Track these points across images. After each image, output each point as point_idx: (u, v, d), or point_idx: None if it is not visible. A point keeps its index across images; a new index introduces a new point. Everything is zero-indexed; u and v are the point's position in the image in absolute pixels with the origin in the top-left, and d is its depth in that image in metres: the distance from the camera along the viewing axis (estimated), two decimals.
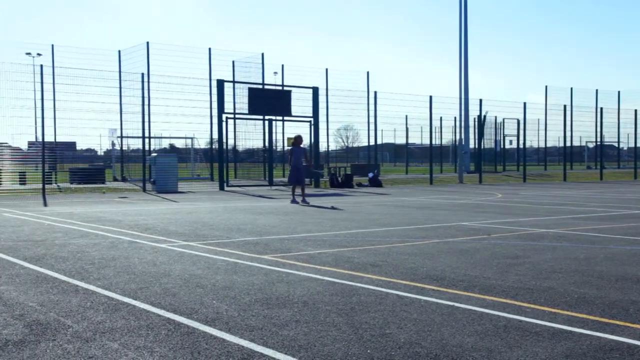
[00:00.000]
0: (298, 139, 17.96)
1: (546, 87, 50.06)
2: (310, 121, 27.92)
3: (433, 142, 33.28)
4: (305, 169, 17.92)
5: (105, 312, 5.17)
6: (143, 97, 26.04)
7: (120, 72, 35.28)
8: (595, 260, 7.61)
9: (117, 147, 36.03)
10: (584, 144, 59.03)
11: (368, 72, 40.61)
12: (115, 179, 32.79)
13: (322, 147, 37.23)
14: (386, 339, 4.40)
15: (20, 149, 30.34)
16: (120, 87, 34.81)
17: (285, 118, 29.11)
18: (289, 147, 18.09)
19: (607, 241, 9.39)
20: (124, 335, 4.50)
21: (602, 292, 5.87)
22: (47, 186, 23.92)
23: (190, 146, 40.23)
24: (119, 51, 36.04)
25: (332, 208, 15.57)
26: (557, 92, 50.35)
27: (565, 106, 37.08)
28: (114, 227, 11.40)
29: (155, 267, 7.22)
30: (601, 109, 40.40)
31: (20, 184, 27.03)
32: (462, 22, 41.24)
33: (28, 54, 37.64)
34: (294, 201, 17.36)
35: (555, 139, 52.75)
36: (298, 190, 17.75)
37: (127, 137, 35.05)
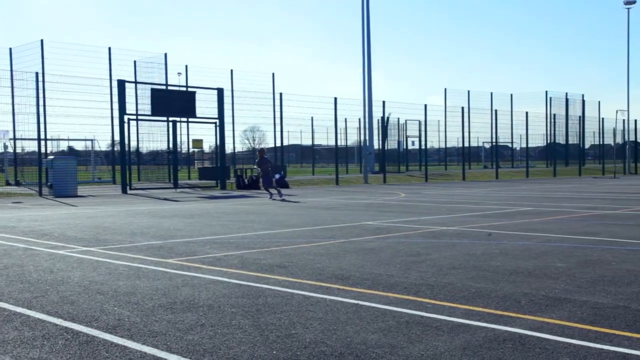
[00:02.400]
0: (262, 151, 21.79)
1: (445, 89, 51.98)
2: (215, 122, 27.61)
3: (338, 143, 33.75)
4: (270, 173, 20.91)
5: None
6: (38, 97, 24.85)
7: (11, 70, 33.45)
8: (490, 256, 7.98)
9: (10, 150, 34.14)
10: (480, 144, 61.75)
11: (273, 74, 40.69)
12: (8, 183, 31.06)
13: (229, 148, 36.89)
14: (292, 339, 4.42)
15: None
16: (12, 87, 33.02)
17: (190, 119, 28.61)
18: (258, 159, 21.44)
19: (502, 237, 9.87)
20: (16, 347, 4.28)
21: (497, 285, 6.17)
22: None
23: (90, 148, 38.75)
24: (10, 49, 34.19)
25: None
26: (456, 94, 52.40)
27: (463, 108, 38.67)
28: (6, 234, 10.81)
29: (52, 275, 6.91)
30: (496, 111, 42.44)
31: None
32: (364, 25, 42.07)
33: None
34: (273, 197, 20.12)
35: (454, 140, 54.76)
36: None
37: (21, 139, 33.29)
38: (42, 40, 32.72)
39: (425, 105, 36.78)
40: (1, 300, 5.71)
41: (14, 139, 33.13)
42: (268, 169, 20.80)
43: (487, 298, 5.63)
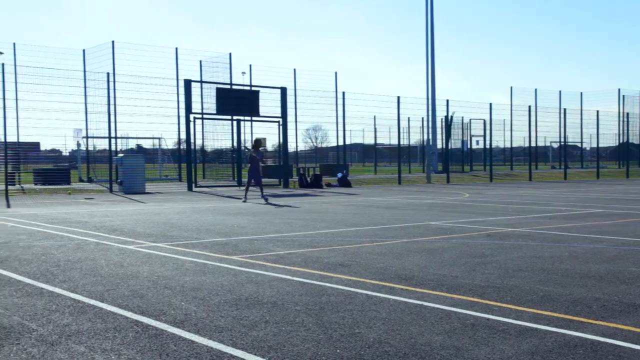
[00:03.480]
0: (259, 142, 19.77)
1: (511, 88, 50.89)
2: (278, 121, 27.87)
3: (401, 143, 33.51)
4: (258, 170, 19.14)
5: (71, 314, 5.09)
6: (109, 96, 25.69)
7: (85, 71, 34.73)
8: (560, 259, 7.75)
9: (83, 148, 35.47)
10: (548, 144, 60.05)
11: (336, 73, 40.75)
12: (81, 180, 32.27)
13: (291, 147, 37.21)
14: (355, 339, 4.41)
15: None
16: (85, 87, 34.27)
17: (254, 118, 29.01)
18: (251, 150, 19.50)
19: (571, 240, 9.57)
20: (90, 338, 4.43)
21: (567, 289, 5.98)
22: (10, 187, 23.45)
23: (157, 146, 39.82)
24: (84, 50, 35.49)
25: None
26: (522, 93, 51.20)
27: (530, 107, 37.73)
28: (80, 229, 11.23)
29: (123, 269, 7.13)
30: (564, 109, 41.19)
31: None
32: (428, 24, 41.61)
33: None
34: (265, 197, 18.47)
35: (520, 139, 53.54)
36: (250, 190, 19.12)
37: (93, 137, 34.55)
38: (113, 42, 33.82)
39: (490, 104, 36.09)
40: (76, 292, 5.93)
41: (87, 137, 34.42)
42: (258, 164, 18.87)
43: (556, 302, 5.47)
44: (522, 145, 53.77)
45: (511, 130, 49.10)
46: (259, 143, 19.61)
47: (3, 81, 23.31)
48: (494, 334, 4.51)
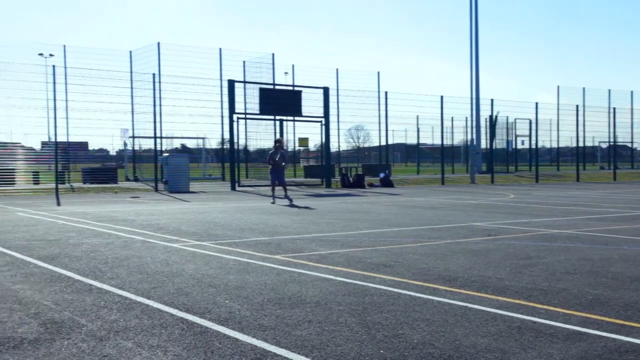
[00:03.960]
0: (280, 142, 19.10)
1: (558, 87, 49.85)
2: (321, 121, 27.92)
3: (444, 142, 33.20)
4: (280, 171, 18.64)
5: (118, 311, 5.20)
6: (154, 97, 26.17)
7: (131, 72, 35.45)
8: (609, 261, 7.56)
9: (129, 147, 36.20)
10: (596, 144, 58.65)
11: (379, 72, 40.66)
12: (127, 179, 32.96)
13: (333, 147, 37.23)
14: (399, 339, 4.39)
15: (34, 149, 30.59)
16: (132, 88, 34.98)
17: (296, 118, 29.13)
18: (272, 150, 18.87)
19: (621, 242, 9.32)
20: (137, 334, 4.52)
21: (617, 293, 5.83)
22: (60, 186, 24.08)
23: (201, 146, 40.36)
24: (130, 52, 36.22)
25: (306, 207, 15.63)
26: (570, 92, 50.11)
27: (577, 106, 36.93)
28: (126, 227, 11.46)
29: (168, 267, 7.25)
30: (614, 108, 40.16)
31: (34, 183, 27.22)
32: (472, 22, 41.10)
33: (40, 54, 37.86)
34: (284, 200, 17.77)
35: (567, 139, 52.45)
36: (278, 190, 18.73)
37: (139, 137, 35.23)
38: (158, 43, 34.45)
39: (537, 104, 35.46)
40: (123, 289, 6.05)
41: (133, 137, 35.11)
42: (282, 164, 18.41)
43: (606, 306, 5.33)
44: (569, 146, 52.64)
45: (558, 130, 48.14)
46: (279, 143, 18.98)
47: (54, 82, 23.95)
48: (541, 338, 4.42)
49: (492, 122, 39.02)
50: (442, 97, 30.74)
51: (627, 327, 4.70)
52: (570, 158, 57.31)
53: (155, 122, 26.12)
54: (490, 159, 38.32)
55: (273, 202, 17.56)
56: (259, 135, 31.57)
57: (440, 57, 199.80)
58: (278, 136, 25.45)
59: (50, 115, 27.62)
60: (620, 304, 5.39)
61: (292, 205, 16.60)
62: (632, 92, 53.14)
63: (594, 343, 4.30)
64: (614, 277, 6.57)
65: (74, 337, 4.45)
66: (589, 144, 51.51)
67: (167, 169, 24.40)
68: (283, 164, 18.49)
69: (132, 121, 35.00)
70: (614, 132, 40.21)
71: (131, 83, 35.04)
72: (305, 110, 27.36)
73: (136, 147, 36.39)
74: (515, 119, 45.34)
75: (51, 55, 37.31)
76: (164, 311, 5.18)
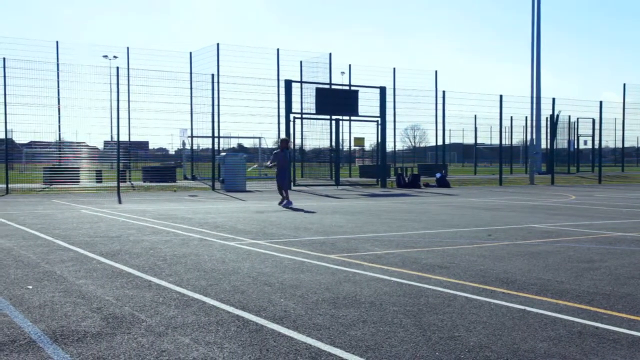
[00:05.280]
0: (286, 142, 17.57)
1: (624, 84, 48.11)
2: (377, 121, 27.82)
3: (503, 142, 32.55)
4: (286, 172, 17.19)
5: (176, 307, 5.30)
6: (213, 97, 26.60)
7: (191, 73, 36.16)
8: None
9: (188, 147, 36.92)
10: None
11: (436, 72, 40.18)
12: (185, 178, 33.63)
13: (389, 146, 37.02)
14: (455, 342, 4.33)
15: (97, 148, 31.59)
16: (191, 88, 35.67)
17: (352, 118, 29.12)
18: (277, 150, 17.39)
19: None
20: (194, 331, 4.60)
21: None
22: (121, 184, 24.79)
23: (258, 145, 40.81)
24: (190, 53, 36.94)
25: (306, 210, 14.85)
26: (636, 89, 48.30)
27: None
28: (184, 225, 11.69)
29: (224, 265, 7.36)
30: None
31: (97, 181, 28.11)
32: (534, 21, 40.15)
33: (105, 56, 39.08)
34: (287, 204, 16.40)
35: (633, 139, 50.58)
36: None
37: (197, 136, 35.91)
38: (217, 44, 35.00)
39: (601, 102, 34.34)
40: (181, 285, 6.18)
41: (192, 136, 35.81)
42: (287, 165, 17.07)
43: None
44: (635, 146, 50.82)
45: (623, 129, 46.50)
46: (285, 142, 17.51)
47: (117, 84, 24.66)
48: (604, 344, 4.28)
49: (553, 121, 38.03)
50: (501, 96, 30.17)
51: None
52: (635, 158, 55.31)
53: (213, 121, 26.56)
54: (550, 159, 37.35)
55: (281, 204, 16.48)
56: (315, 135, 31.68)
57: (499, 56, 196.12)
58: (283, 136, 23.00)
59: (113, 115, 28.48)
60: None
61: (295, 209, 15.40)
62: None
63: None
64: None
65: (134, 332, 4.56)
66: None
67: (224, 168, 24.77)
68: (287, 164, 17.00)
69: (191, 121, 35.70)
70: None
71: (190, 83, 35.75)
72: (361, 109, 27.31)
73: (194, 147, 37.09)
74: (578, 119, 44.08)
75: (115, 57, 38.48)
76: (220, 308, 5.26)
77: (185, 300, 5.55)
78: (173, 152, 48.98)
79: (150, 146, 42.77)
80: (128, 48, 35.90)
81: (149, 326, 4.71)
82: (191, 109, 35.66)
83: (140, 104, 30.65)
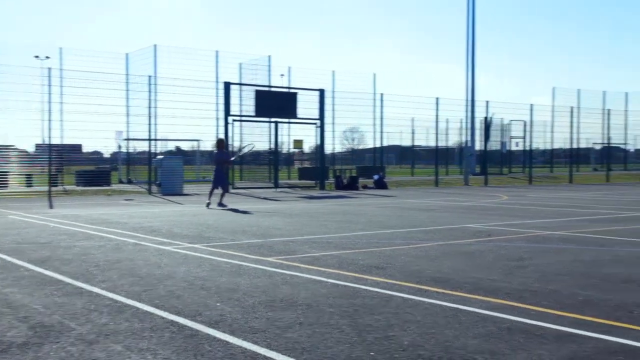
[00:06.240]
0: (221, 143, 17.92)
1: (553, 88, 49.96)
2: (316, 123, 27.92)
3: (439, 144, 33.23)
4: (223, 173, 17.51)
5: (109, 314, 5.18)
6: (150, 99, 26.13)
7: (127, 74, 35.38)
8: (601, 263, 7.58)
9: (123, 150, 36.13)
10: (590, 145, 58.77)
11: (374, 74, 40.71)
12: (121, 182, 32.86)
13: (328, 149, 37.20)
14: (390, 341, 4.39)
15: (27, 152, 30.49)
16: (127, 90, 34.91)
17: (292, 120, 29.10)
18: (216, 151, 17.69)
19: (614, 243, 9.35)
20: (127, 338, 4.50)
21: (608, 294, 5.84)
22: (53, 188, 24.00)
23: (196, 148, 40.30)
24: (127, 54, 36.15)
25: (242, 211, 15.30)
26: (565, 94, 50.17)
27: (572, 108, 37.01)
28: (119, 230, 11.43)
29: (160, 270, 7.23)
30: (608, 110, 40.31)
31: (27, 186, 27.13)
32: (469, 24, 41.18)
33: (36, 57, 37.76)
34: (220, 204, 16.63)
35: (562, 141, 52.46)
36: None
37: (133, 139, 35.15)
38: (155, 46, 34.37)
39: (532, 105, 35.55)
40: (114, 292, 6.03)
41: (127, 139, 35.04)
42: (224, 166, 17.33)
43: (596, 307, 5.34)
44: (563, 147, 52.74)
45: (552, 131, 48.21)
46: (222, 143, 17.91)
47: (49, 85, 23.91)
48: (531, 339, 4.43)
49: (487, 123, 39.09)
50: (437, 98, 30.80)
51: (617, 328, 4.71)
52: (564, 160, 57.41)
53: (150, 124, 26.08)
54: (484, 160, 38.37)
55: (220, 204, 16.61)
56: (254, 137, 31.53)
57: (436, 59, 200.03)
58: (221, 136, 22.98)
59: (45, 117, 27.55)
60: (611, 305, 5.41)
61: (233, 210, 15.73)
62: (626, 93, 53.32)
63: (583, 344, 4.30)
64: (605, 279, 6.59)
65: (63, 341, 4.43)
66: (583, 145, 51.60)
67: (161, 172, 24.33)
68: (229, 165, 17.40)
69: (127, 123, 34.91)
70: (608, 134, 40.34)
71: (127, 85, 34.97)
72: (300, 112, 27.34)
73: (130, 150, 36.33)
74: (510, 121, 45.41)
75: (47, 57, 37.21)
76: (155, 314, 5.17)
77: (119, 307, 5.43)
78: (108, 156, 47.79)
79: (84, 149, 41.62)
80: (61, 48, 34.79)
81: (79, 334, 4.59)
82: (127, 111, 34.88)
83: (74, 106, 29.77)
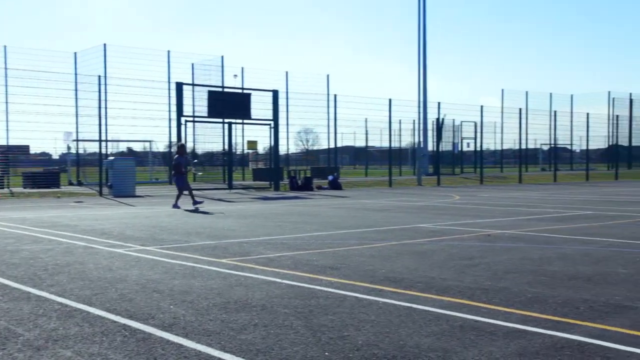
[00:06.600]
0: (182, 148, 18.36)
1: (502, 90, 51.09)
2: (270, 124, 27.86)
3: (392, 145, 33.56)
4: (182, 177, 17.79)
5: (58, 319, 5.06)
6: (100, 100, 25.60)
7: (76, 74, 34.61)
8: (548, 260, 7.79)
9: (73, 151, 35.32)
10: (538, 146, 60.33)
11: (328, 75, 40.82)
12: (70, 183, 32.12)
13: (282, 149, 37.18)
14: (344, 341, 4.41)
15: None
16: (77, 90, 34.15)
17: (245, 121, 28.96)
18: (177, 156, 18.10)
19: (560, 241, 9.62)
20: (77, 343, 4.41)
21: (555, 291, 6.01)
22: None
23: (148, 149, 39.71)
24: (75, 53, 35.36)
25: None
26: (513, 95, 51.42)
27: (520, 109, 37.87)
28: (68, 232, 11.17)
29: (112, 273, 7.10)
30: (555, 112, 41.39)
31: None
32: (420, 26, 41.74)
33: None
34: (176, 206, 16.95)
35: (511, 142, 53.72)
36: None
37: (84, 140, 34.41)
38: (104, 45, 33.73)
39: (482, 107, 36.24)
40: (63, 296, 5.90)
41: (77, 140, 34.27)
42: (182, 170, 17.69)
43: (544, 303, 5.49)
44: (512, 148, 53.98)
45: (502, 132, 49.35)
46: (182, 148, 18.37)
47: None
48: (482, 336, 4.52)
49: (439, 124, 39.69)
50: (390, 100, 31.09)
51: (563, 323, 4.85)
52: (513, 160, 58.73)
53: (100, 125, 25.54)
54: (436, 161, 38.96)
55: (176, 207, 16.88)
56: (208, 138, 31.26)
57: (389, 60, 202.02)
58: (181, 142, 22.84)
59: None
60: (558, 302, 5.56)
61: (198, 211, 15.89)
62: (572, 95, 55.01)
63: (532, 340, 4.42)
64: (553, 276, 6.77)
65: (10, 347, 4.31)
66: (531, 146, 52.89)
67: (113, 173, 23.89)
68: (183, 170, 17.67)
69: (77, 124, 34.16)
70: (555, 135, 41.43)
71: (76, 85, 34.21)
72: (254, 113, 27.21)
73: (80, 151, 35.53)
74: (462, 122, 46.22)
75: None
76: (106, 318, 5.08)
77: (68, 311, 5.31)
78: (57, 157, 46.66)
79: (32, 150, 40.47)
80: (5, 46, 33.81)
81: (26, 340, 4.47)
82: (77, 112, 34.13)
83: (20, 106, 29.00)
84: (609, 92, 54.92)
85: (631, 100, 53.45)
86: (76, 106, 34.11)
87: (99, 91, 25.54)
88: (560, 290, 6.02)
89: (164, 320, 5.00)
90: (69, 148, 35.38)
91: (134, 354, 4.15)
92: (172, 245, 9.37)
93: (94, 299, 5.75)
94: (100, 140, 25.89)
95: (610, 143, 54.14)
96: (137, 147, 46.90)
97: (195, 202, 17.15)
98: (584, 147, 44.32)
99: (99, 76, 26.30)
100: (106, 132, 32.04)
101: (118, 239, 10.13)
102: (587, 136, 40.57)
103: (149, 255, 8.45)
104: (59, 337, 4.53)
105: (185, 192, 17.65)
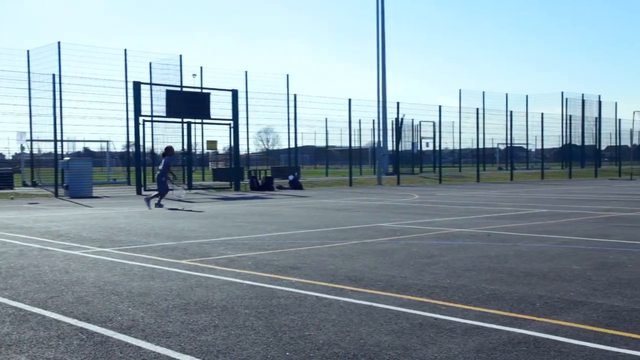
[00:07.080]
0: (170, 150, 18.84)
1: (460, 90, 51.79)
2: (229, 124, 27.68)
3: (352, 145, 33.72)
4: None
5: (12, 323, 4.94)
6: (54, 99, 25.05)
7: (29, 72, 33.78)
8: (505, 258, 7.94)
9: (27, 151, 34.46)
10: (495, 145, 61.39)
11: (287, 75, 40.77)
12: (24, 184, 31.35)
13: (242, 149, 37.00)
14: (305, 341, 4.42)
15: None
16: (30, 89, 33.34)
17: (205, 121, 28.72)
18: (164, 157, 18.64)
19: (517, 239, 9.81)
20: (32, 347, 4.31)
21: (512, 288, 6.13)
22: None
23: (105, 149, 39.03)
24: (28, 51, 34.52)
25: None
26: (471, 95, 52.18)
27: (477, 109, 38.49)
28: (23, 235, 10.91)
29: (68, 275, 6.96)
30: (511, 112, 42.16)
31: None
32: (379, 26, 42.02)
33: None
34: (159, 205, 17.39)
35: (469, 141, 54.59)
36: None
37: (38, 140, 33.63)
38: (59, 43, 33.01)
39: (440, 107, 36.63)
40: (17, 300, 5.76)
41: (31, 140, 33.45)
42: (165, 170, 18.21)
43: (501, 300, 5.60)
44: (470, 147, 54.80)
45: (460, 132, 50.01)
46: (171, 150, 18.93)
47: None
48: (441, 333, 4.58)
49: (398, 124, 40.04)
50: (349, 100, 31.22)
51: (519, 319, 4.95)
52: (471, 159, 59.66)
53: (55, 124, 25.00)
54: (396, 160, 39.29)
55: (157, 205, 17.40)
56: (166, 138, 30.91)
57: (349, 60, 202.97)
58: (169, 145, 23.30)
59: None
60: (515, 298, 5.68)
61: (171, 209, 16.49)
62: (527, 96, 56.03)
63: (489, 336, 4.50)
64: (509, 273, 6.91)
65: None
66: (488, 145, 53.73)
67: (68, 174, 23.40)
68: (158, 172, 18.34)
69: (30, 124, 33.35)
70: (511, 135, 42.21)
71: (29, 84, 33.39)
72: (213, 112, 26.99)
73: (35, 151, 34.70)
74: (421, 122, 46.70)
75: None
76: (62, 321, 4.97)
77: (22, 315, 5.18)
78: (10, 157, 45.50)
79: None
80: None
81: None
82: (30, 111, 33.32)
83: None
84: (562, 93, 56.23)
85: (583, 101, 54.83)
86: (30, 105, 33.31)
87: (54, 90, 25.00)
88: (516, 287, 6.15)
89: (122, 322, 4.92)
90: (22, 148, 34.53)
91: (92, 358, 4.08)
92: (130, 247, 9.24)
93: (49, 302, 5.63)
94: (55, 140, 25.35)
95: (564, 142, 55.42)
96: (94, 147, 46.09)
97: (158, 204, 17.34)
98: (539, 147, 45.35)
99: (54, 75, 25.73)
100: (62, 132, 31.44)
101: (75, 241, 9.94)
102: (542, 136, 41.52)
103: (107, 257, 8.31)
104: (13, 342, 4.42)
105: (157, 191, 17.92)
